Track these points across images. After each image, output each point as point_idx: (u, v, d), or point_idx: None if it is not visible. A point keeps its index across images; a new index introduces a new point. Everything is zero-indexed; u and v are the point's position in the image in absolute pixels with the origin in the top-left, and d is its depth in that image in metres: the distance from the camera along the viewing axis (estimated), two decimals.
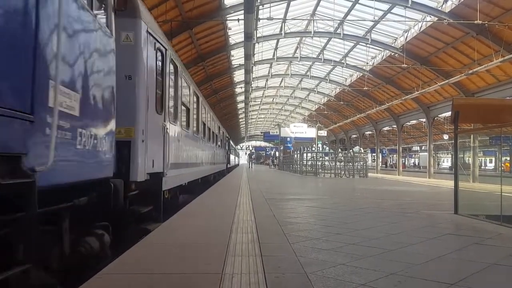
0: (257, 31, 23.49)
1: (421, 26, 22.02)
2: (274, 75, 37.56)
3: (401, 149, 39.04)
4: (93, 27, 3.50)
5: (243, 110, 47.04)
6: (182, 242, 4.36)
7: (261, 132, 73.52)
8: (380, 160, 49.92)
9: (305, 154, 31.41)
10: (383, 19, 22.57)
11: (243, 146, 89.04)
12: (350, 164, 26.12)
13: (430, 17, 20.83)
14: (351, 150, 42.34)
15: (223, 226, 5.25)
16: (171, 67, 7.15)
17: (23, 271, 2.29)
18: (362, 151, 42.05)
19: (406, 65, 24.16)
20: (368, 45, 26.61)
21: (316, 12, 24.41)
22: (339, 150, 51.74)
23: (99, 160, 3.71)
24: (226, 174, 25.21)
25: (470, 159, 26.47)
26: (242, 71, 27.46)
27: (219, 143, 19.43)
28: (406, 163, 70.15)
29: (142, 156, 5.28)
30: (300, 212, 7.16)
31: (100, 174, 3.76)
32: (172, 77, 7.32)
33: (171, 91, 7.09)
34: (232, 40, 24.96)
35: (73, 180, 3.10)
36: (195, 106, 11.01)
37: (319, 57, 31.28)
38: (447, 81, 22.82)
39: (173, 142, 7.14)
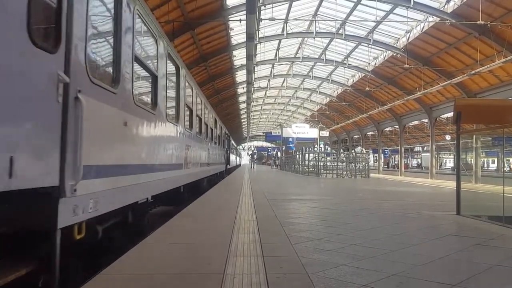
0: (259, 31, 23.47)
1: (423, 26, 21.98)
2: (276, 76, 37.56)
3: (403, 149, 38.98)
4: None
5: (245, 110, 47.05)
6: (183, 242, 4.37)
7: (263, 133, 73.51)
8: (382, 161, 49.82)
9: (307, 155, 31.40)
10: (385, 20, 22.52)
11: (245, 146, 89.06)
12: (352, 164, 26.10)
13: (432, 17, 20.78)
14: (353, 151, 42.24)
15: (224, 226, 5.25)
16: None
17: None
18: (364, 151, 41.98)
19: (408, 66, 24.12)
20: (370, 46, 26.56)
21: (318, 13, 24.40)
22: (341, 150, 51.69)
23: None
24: (226, 176, 22.03)
25: (472, 159, 26.39)
26: (244, 71, 27.44)
27: (215, 139, 15.29)
28: (408, 163, 70.02)
29: None
30: (302, 213, 7.16)
31: None
32: None
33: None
34: (234, 40, 24.98)
35: None
36: (165, 67, 6.27)
37: (321, 58, 31.25)
38: (449, 81, 22.76)
39: (106, 125, 3.76)
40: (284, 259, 3.64)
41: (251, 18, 15.12)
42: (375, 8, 21.04)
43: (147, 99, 5.47)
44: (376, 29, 24.57)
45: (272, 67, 35.01)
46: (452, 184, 11.06)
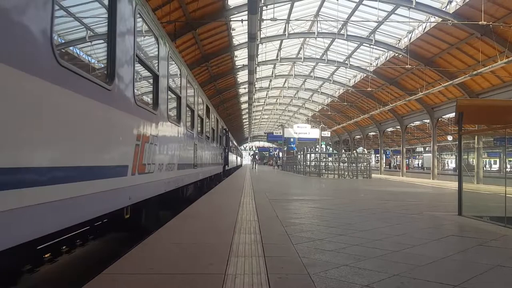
0: (261, 31, 23.49)
1: (425, 27, 21.95)
2: (278, 76, 37.57)
3: (404, 150, 38.94)
4: None
5: (247, 110, 47.07)
6: (185, 242, 4.37)
7: (265, 133, 73.50)
8: (384, 161, 49.78)
9: (308, 155, 31.40)
10: (387, 20, 22.51)
11: (246, 146, 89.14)
12: (353, 165, 26.10)
13: (434, 18, 20.76)
14: (354, 151, 42.22)
15: (226, 226, 5.25)
16: None
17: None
18: (366, 152, 41.95)
19: (410, 66, 24.08)
20: (372, 46, 26.56)
21: (319, 13, 24.40)
22: (343, 150, 51.66)
23: None
24: (224, 179, 19.02)
25: (474, 160, 26.35)
26: (246, 71, 27.46)
27: (207, 134, 12.08)
28: (410, 164, 69.92)
29: None
30: (303, 213, 7.15)
31: None
32: None
33: None
34: (236, 41, 24.99)
35: None
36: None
37: (323, 58, 31.25)
38: (451, 82, 22.73)
39: None
40: (286, 260, 3.64)
41: (253, 18, 15.12)
42: (377, 9, 21.06)
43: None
44: (378, 30, 24.55)
45: (274, 68, 35.03)
46: (454, 185, 11.04)
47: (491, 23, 17.49)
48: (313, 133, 42.57)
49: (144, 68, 5.25)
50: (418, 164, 77.57)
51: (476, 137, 23.85)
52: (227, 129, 22.02)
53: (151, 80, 5.61)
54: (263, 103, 51.30)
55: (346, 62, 30.94)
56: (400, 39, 25.18)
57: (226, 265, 3.35)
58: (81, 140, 3.19)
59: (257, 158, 60.29)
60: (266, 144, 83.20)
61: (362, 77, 33.49)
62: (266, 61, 30.93)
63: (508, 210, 6.04)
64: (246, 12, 15.57)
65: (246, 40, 19.78)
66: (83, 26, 3.74)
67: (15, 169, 2.34)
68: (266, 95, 46.89)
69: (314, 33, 25.72)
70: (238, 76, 33.36)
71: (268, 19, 20.40)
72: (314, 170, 27.86)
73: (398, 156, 55.72)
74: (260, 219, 6.02)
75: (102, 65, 4.05)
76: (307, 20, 25.55)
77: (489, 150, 50.86)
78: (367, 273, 3.23)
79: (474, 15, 18.03)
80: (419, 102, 30.23)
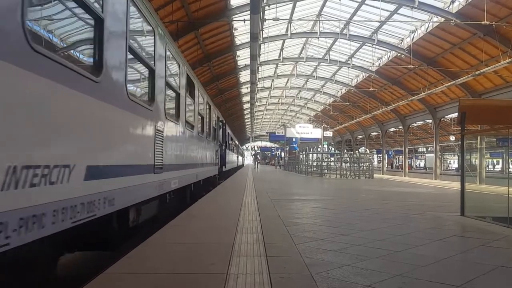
0: (263, 31, 23.49)
1: (428, 26, 21.91)
2: (280, 76, 37.56)
3: (407, 150, 38.87)
4: None
5: (249, 110, 47.07)
6: (187, 241, 4.37)
7: (267, 133, 73.50)
8: (386, 161, 49.69)
9: (310, 155, 31.37)
10: (390, 20, 22.48)
11: (248, 146, 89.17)
12: (355, 165, 26.06)
13: (437, 17, 20.71)
14: (356, 151, 42.17)
15: (228, 226, 5.25)
16: None
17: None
18: (368, 152, 41.89)
19: (412, 66, 24.05)
20: (374, 46, 26.52)
21: (322, 13, 24.37)
22: (345, 150, 51.60)
23: None
24: (221, 182, 16.15)
25: (476, 160, 26.27)
26: (248, 71, 27.49)
27: (190, 121, 8.16)
28: (412, 164, 69.80)
29: None
30: (305, 213, 7.15)
31: None
32: None
33: None
34: (238, 40, 24.99)
35: None
36: None
37: (325, 58, 31.23)
38: (453, 82, 22.68)
39: None
40: (288, 259, 3.64)
41: (255, 18, 15.13)
42: (379, 8, 21.03)
43: None
44: (380, 29, 24.52)
45: (276, 67, 35.01)
46: (456, 185, 11.02)
47: (494, 23, 17.44)
48: (315, 133, 42.52)
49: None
50: (420, 164, 77.47)
51: (478, 137, 23.77)
52: (224, 121, 18.02)
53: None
54: (265, 103, 51.30)
55: (349, 62, 30.90)
56: (403, 39, 25.14)
57: (228, 265, 3.35)
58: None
59: (259, 158, 60.24)
60: (268, 144, 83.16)
61: (364, 77, 33.45)
62: (268, 61, 30.92)
63: (510, 210, 6.02)
64: (249, 12, 15.58)
65: (248, 40, 19.80)
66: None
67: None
68: (268, 95, 46.88)
69: (316, 33, 25.71)
70: (240, 76, 33.37)
71: (270, 19, 20.44)
72: (316, 170, 27.84)
73: (401, 156, 55.58)
74: (262, 219, 6.01)
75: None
76: (309, 20, 25.54)
77: (491, 150, 50.76)
78: (369, 273, 3.22)
79: (477, 15, 17.98)
80: (421, 102, 30.17)
